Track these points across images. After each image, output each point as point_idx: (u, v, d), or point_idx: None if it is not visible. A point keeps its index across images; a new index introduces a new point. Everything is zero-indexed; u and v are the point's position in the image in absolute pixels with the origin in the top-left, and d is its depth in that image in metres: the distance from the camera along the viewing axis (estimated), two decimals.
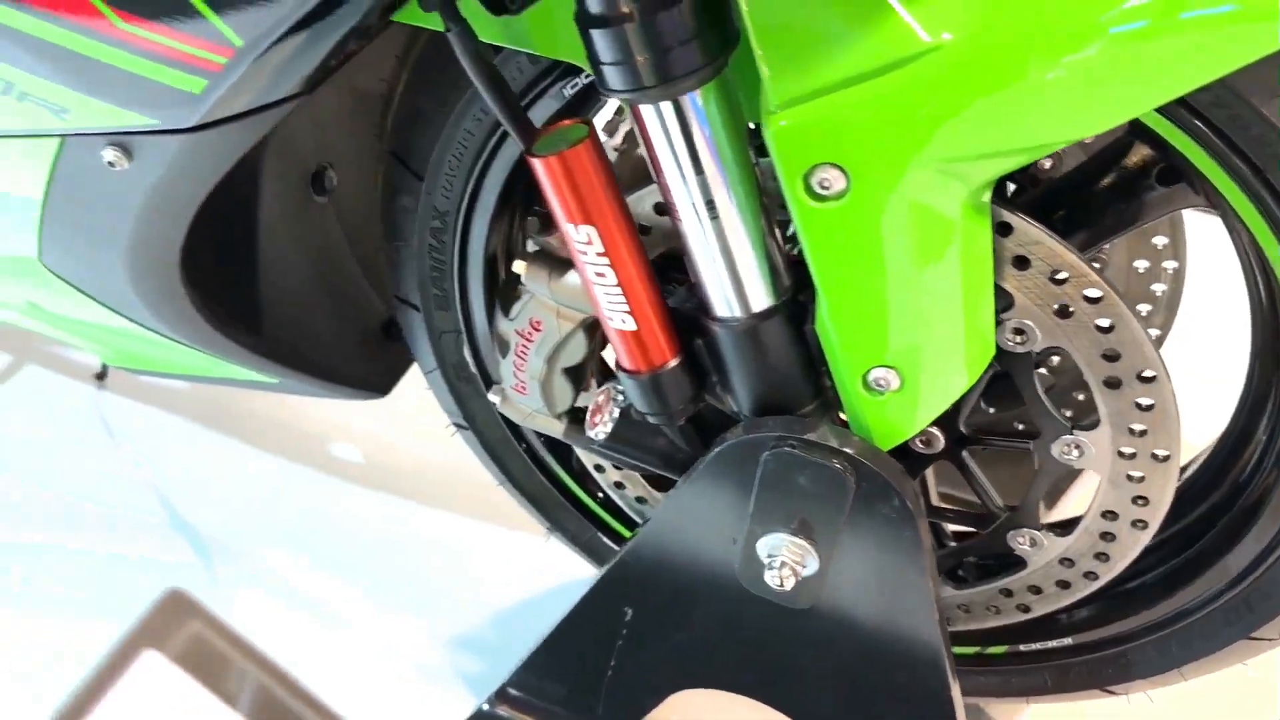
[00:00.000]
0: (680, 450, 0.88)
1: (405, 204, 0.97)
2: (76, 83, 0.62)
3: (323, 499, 1.41)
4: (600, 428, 0.85)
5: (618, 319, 0.76)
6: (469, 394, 1.10)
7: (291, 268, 1.06)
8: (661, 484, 1.05)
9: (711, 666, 0.96)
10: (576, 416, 0.94)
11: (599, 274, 0.74)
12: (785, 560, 0.79)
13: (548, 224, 0.83)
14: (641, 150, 0.70)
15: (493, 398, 0.95)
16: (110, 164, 0.67)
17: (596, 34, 0.64)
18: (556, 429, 0.94)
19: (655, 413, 0.82)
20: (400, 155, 0.94)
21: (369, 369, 1.18)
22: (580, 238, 0.73)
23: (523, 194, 0.94)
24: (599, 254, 0.73)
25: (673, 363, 0.79)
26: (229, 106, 0.61)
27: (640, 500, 1.07)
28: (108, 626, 1.23)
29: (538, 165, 0.71)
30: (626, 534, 1.16)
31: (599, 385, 0.91)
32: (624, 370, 0.81)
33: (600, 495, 1.13)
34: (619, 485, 1.06)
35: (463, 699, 1.18)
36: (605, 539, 1.17)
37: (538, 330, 0.87)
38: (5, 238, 0.80)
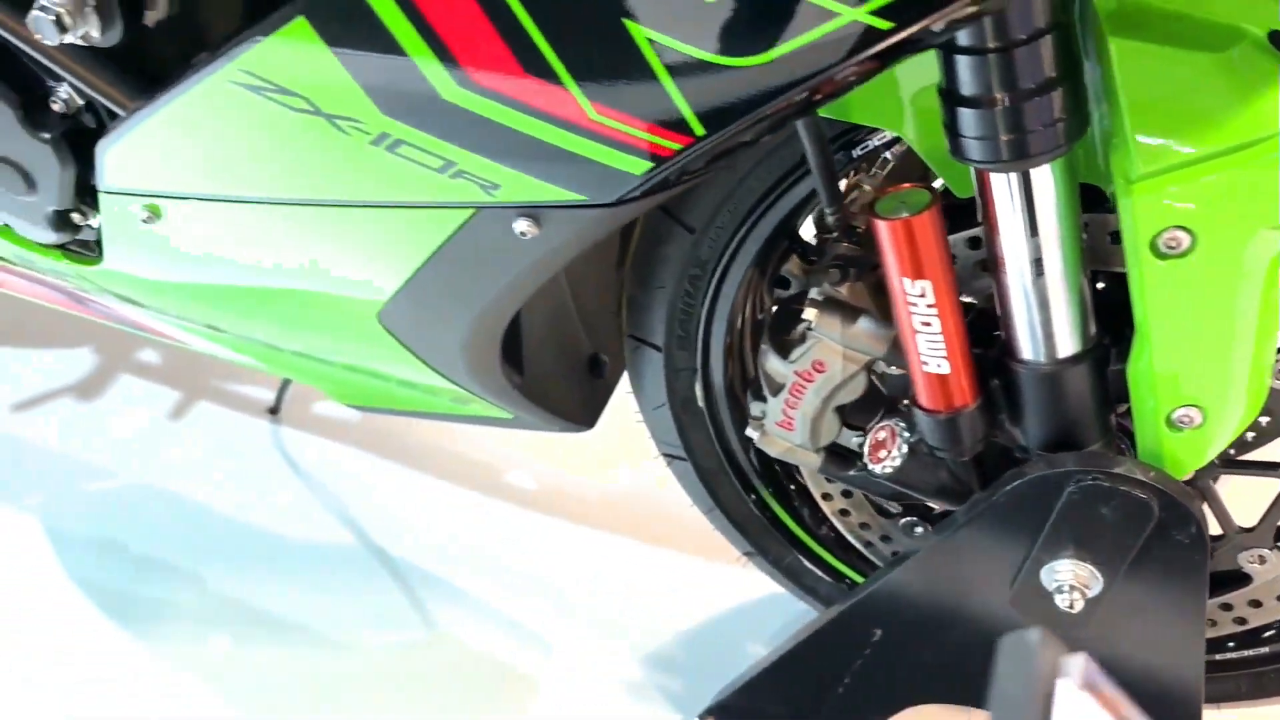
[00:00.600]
0: (959, 483, 0.95)
1: (668, 253, 1.04)
2: (523, 164, 0.68)
3: (500, 525, 1.47)
4: (887, 462, 0.93)
5: (934, 364, 0.84)
6: (691, 426, 1.18)
7: (537, 311, 1.13)
8: (887, 512, 1.13)
9: (958, 683, 1.03)
10: (832, 450, 1.02)
11: (925, 323, 0.82)
12: (1074, 584, 0.87)
13: (843, 275, 0.91)
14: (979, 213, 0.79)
15: (751, 432, 1.03)
16: (522, 234, 0.73)
17: (964, 112, 0.72)
18: (814, 462, 1.01)
19: (949, 449, 0.89)
20: (672, 210, 1.01)
21: (580, 403, 1.26)
22: (914, 291, 0.80)
23: (783, 249, 1.02)
24: (929, 305, 0.81)
25: (974, 404, 0.87)
26: (654, 184, 0.68)
27: (864, 526, 1.15)
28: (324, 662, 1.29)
29: (882, 227, 0.79)
30: (828, 556, 1.24)
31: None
32: (925, 410, 0.88)
33: (808, 520, 1.21)
34: (844, 512, 1.14)
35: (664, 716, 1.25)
36: (805, 561, 1.25)
37: (820, 371, 0.94)
38: (343, 292, 0.86)
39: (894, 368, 0.95)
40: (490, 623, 1.35)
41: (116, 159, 0.80)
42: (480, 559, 1.43)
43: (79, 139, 0.86)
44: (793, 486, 1.22)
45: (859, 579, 1.22)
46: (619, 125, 0.64)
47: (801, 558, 1.25)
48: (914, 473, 0.96)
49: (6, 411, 1.58)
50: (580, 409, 1.27)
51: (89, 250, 0.98)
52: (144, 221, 0.84)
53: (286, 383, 1.59)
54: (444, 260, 0.78)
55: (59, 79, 0.83)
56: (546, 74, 0.63)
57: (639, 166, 0.67)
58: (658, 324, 1.12)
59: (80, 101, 0.84)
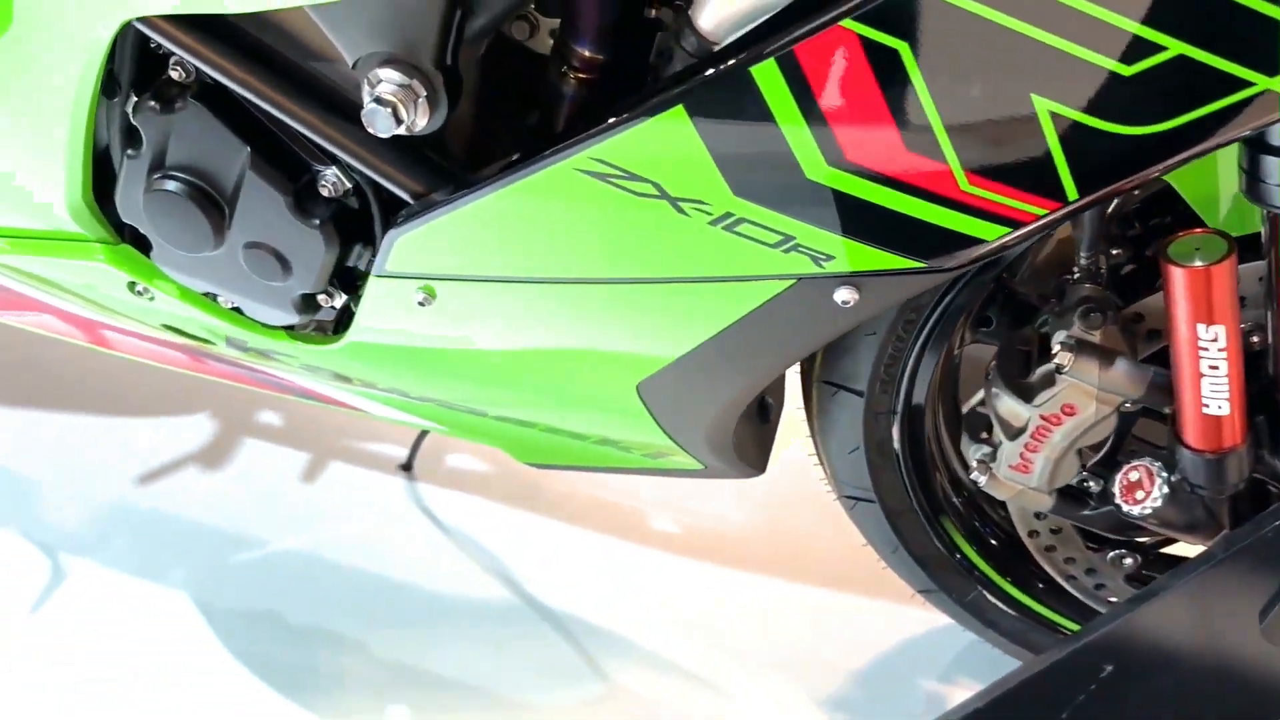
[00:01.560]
0: (1211, 519, 0.96)
1: None
2: (869, 235, 0.67)
3: (656, 570, 1.45)
4: (1147, 503, 0.93)
5: (1215, 405, 0.84)
6: (883, 469, 1.17)
7: None
8: (1097, 545, 1.13)
9: (1194, 713, 1.03)
10: (1063, 491, 1.02)
11: (1212, 366, 0.82)
12: None
13: (1096, 318, 0.92)
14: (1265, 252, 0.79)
15: (977, 476, 1.02)
16: (844, 303, 0.72)
17: (1270, 160, 0.72)
18: (1046, 504, 1.02)
19: (1214, 488, 0.90)
20: None
21: (754, 448, 1.25)
22: (1207, 336, 0.81)
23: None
24: (1220, 350, 0.81)
25: (1243, 443, 0.87)
26: (1000, 247, 0.67)
27: (1069, 560, 1.15)
28: None
29: (1179, 274, 0.79)
30: (1014, 590, 1.24)
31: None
32: (1194, 450, 0.88)
33: (1000, 556, 1.21)
34: (1049, 548, 1.14)
35: None
36: (989, 596, 1.25)
37: (1070, 415, 0.94)
38: (608, 364, 0.85)
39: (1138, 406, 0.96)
40: (665, 673, 1.33)
41: (410, 245, 0.78)
42: (641, 606, 1.41)
43: (345, 222, 0.84)
44: (980, 521, 1.23)
45: (1044, 611, 1.22)
46: (988, 194, 0.64)
47: (986, 593, 1.25)
48: (1171, 512, 0.96)
49: (132, 484, 1.54)
50: (755, 454, 1.27)
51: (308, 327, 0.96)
52: (420, 304, 0.82)
53: (420, 438, 1.57)
54: (737, 332, 0.77)
55: (327, 162, 0.81)
56: (929, 149, 0.62)
57: (994, 233, 0.66)
58: (862, 369, 1.11)
59: (348, 184, 0.82)
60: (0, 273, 1.09)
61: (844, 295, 0.73)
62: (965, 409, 1.11)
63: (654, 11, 0.77)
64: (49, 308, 1.14)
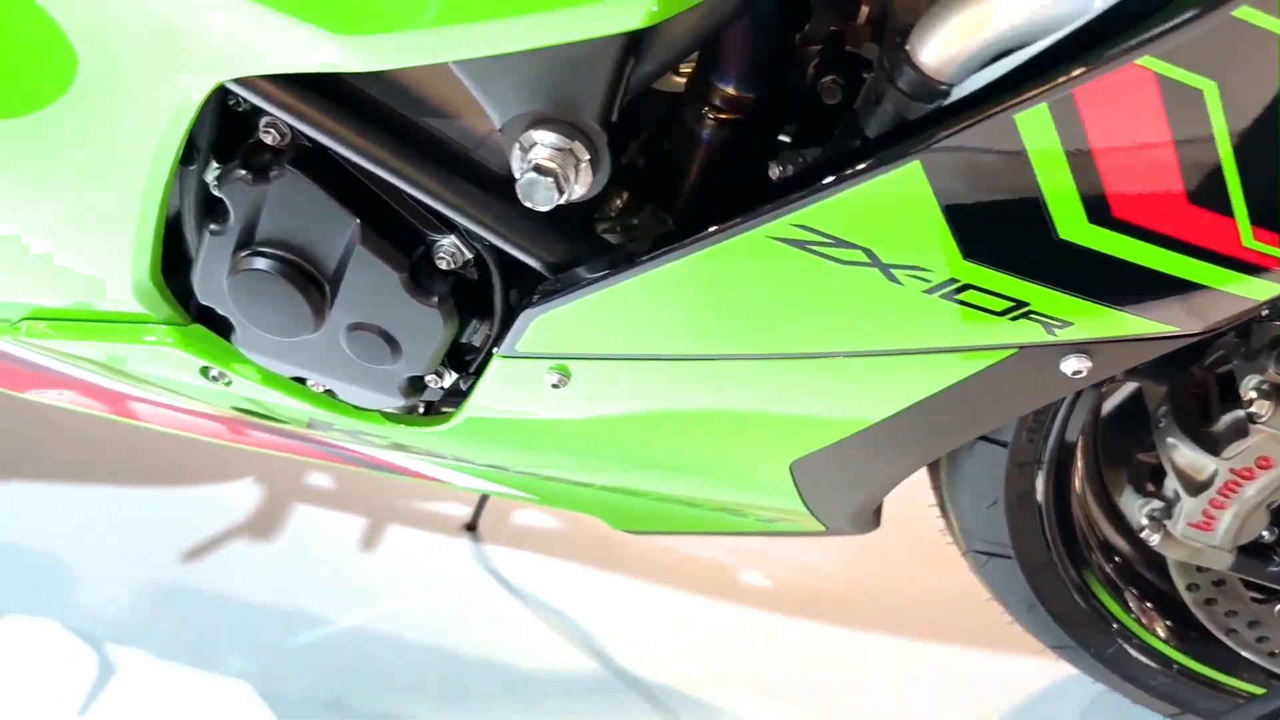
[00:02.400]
0: None
1: None
2: (1119, 298, 0.57)
3: (742, 630, 1.35)
4: None
5: None
6: (1023, 522, 1.08)
7: None
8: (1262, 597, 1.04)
9: None
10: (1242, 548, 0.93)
11: None
12: None
13: None
14: None
15: (1150, 535, 0.93)
16: (1075, 373, 0.62)
17: None
18: (1224, 561, 0.92)
19: None
20: None
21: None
22: None
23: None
24: None
25: None
26: (1259, 307, 0.58)
27: (1230, 613, 1.05)
28: None
29: None
30: (1163, 646, 1.16)
31: None
32: None
33: (1149, 609, 1.12)
34: (1210, 601, 1.05)
35: None
36: (1130, 650, 1.16)
37: (1265, 468, 0.84)
38: (762, 442, 0.75)
39: None
40: None
41: (551, 324, 0.67)
42: (738, 669, 1.31)
43: (463, 296, 0.73)
44: (1127, 575, 1.14)
45: (1191, 663, 1.14)
46: (1272, 250, 0.54)
47: (1127, 647, 1.16)
48: None
49: (178, 562, 1.43)
50: (875, 511, 1.18)
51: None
52: (554, 386, 0.72)
53: (484, 499, 1.47)
54: (931, 407, 0.67)
55: (444, 231, 0.70)
56: (1215, 201, 0.52)
57: (1265, 291, 0.57)
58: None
59: (468, 254, 0.71)
60: (25, 348, 0.99)
61: (1073, 365, 0.63)
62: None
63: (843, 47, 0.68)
64: (73, 382, 1.04)
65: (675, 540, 1.45)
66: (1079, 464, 1.06)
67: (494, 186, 0.66)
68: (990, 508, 1.10)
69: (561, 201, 0.59)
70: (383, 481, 1.51)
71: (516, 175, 0.59)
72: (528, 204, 0.59)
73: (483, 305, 0.74)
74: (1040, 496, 1.05)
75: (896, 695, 1.28)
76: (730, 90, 0.70)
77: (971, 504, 1.10)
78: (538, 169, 0.57)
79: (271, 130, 0.67)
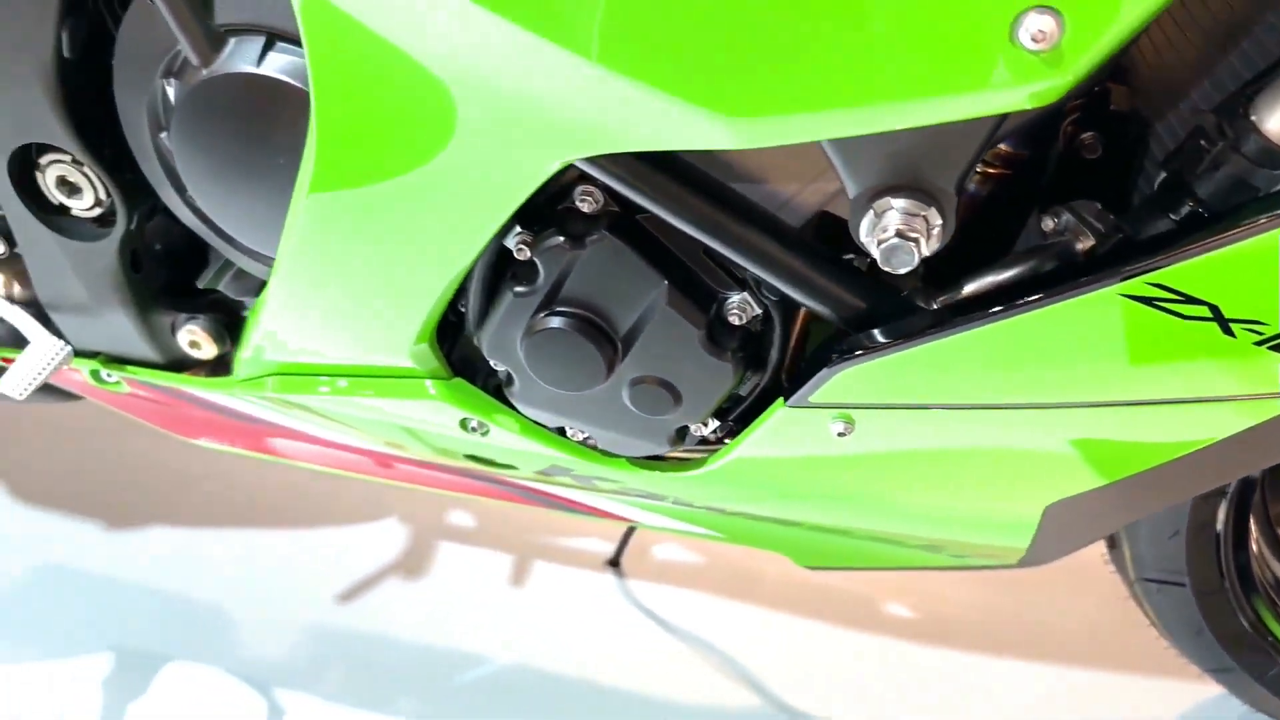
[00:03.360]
0: None
1: None
2: None
3: (889, 667, 1.37)
4: None
5: None
6: (1200, 550, 1.11)
7: None
8: None
9: None
10: None
11: None
12: None
13: None
14: None
15: None
16: None
17: None
18: None
19: None
20: None
21: None
22: None
23: None
24: None
25: None
26: None
27: None
28: None
29: None
30: None
31: None
32: None
33: None
34: None
35: None
36: None
37: None
38: (1023, 486, 0.77)
39: None
40: None
41: (853, 378, 0.69)
42: (879, 696, 1.33)
43: (748, 349, 0.76)
44: None
45: None
46: None
47: None
48: None
49: (335, 604, 1.45)
50: None
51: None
52: (839, 435, 0.74)
53: (629, 534, 1.48)
54: (1223, 448, 0.69)
55: (736, 288, 0.73)
56: None
57: None
58: None
59: (757, 310, 0.74)
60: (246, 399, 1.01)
61: None
62: None
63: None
64: (280, 430, 1.06)
65: (813, 573, 1.47)
66: (1259, 495, 1.10)
67: (797, 246, 0.69)
68: (1171, 538, 1.12)
69: (915, 263, 0.62)
70: (520, 518, 1.53)
71: (864, 239, 0.62)
72: (886, 268, 0.62)
73: (759, 358, 0.77)
74: (1220, 526, 1.08)
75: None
76: (1005, 148, 0.73)
77: (1151, 534, 1.12)
78: (900, 235, 0.60)
79: (588, 198, 0.70)
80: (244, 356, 0.91)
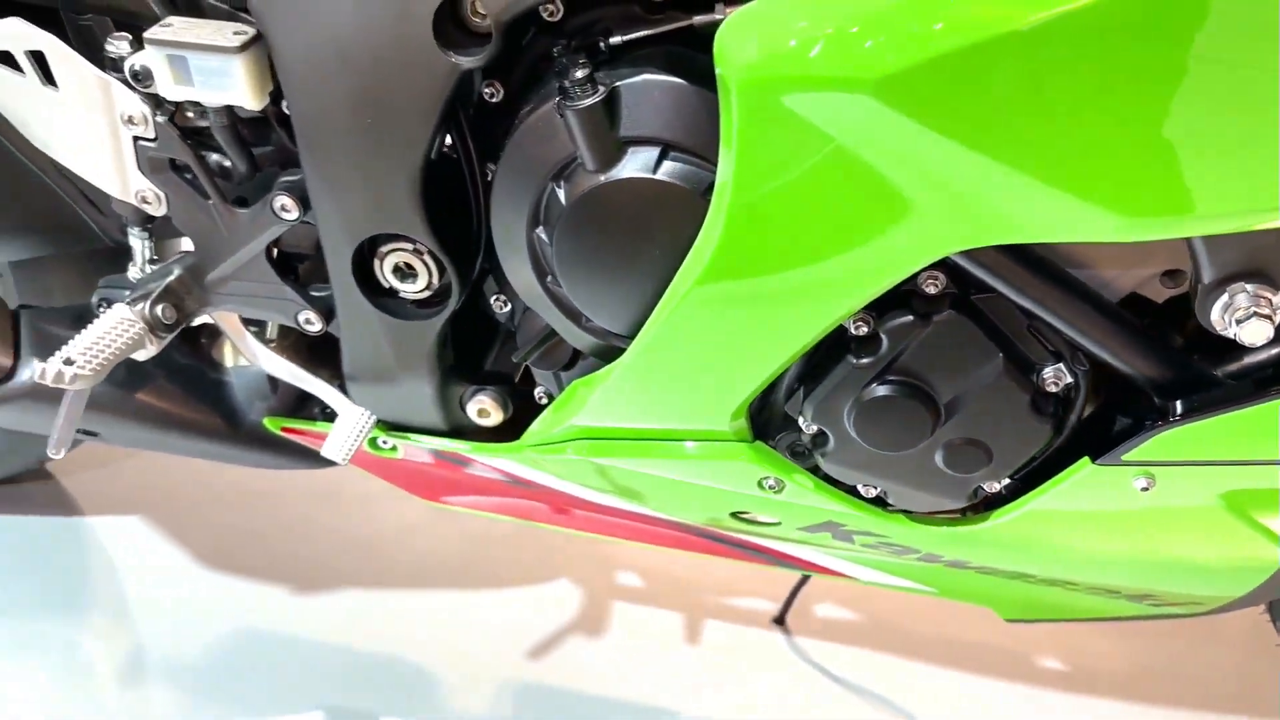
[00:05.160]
0: None
1: None
2: None
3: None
4: None
5: None
6: None
7: None
8: None
9: None
10: None
11: None
12: None
13: None
14: None
15: None
16: None
17: None
18: None
19: None
20: None
21: None
22: None
23: None
24: None
25: None
26: None
27: None
28: None
29: None
30: None
31: None
32: None
33: None
34: None
35: None
36: None
37: None
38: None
39: None
40: None
41: (1183, 438, 0.78)
42: None
43: (1057, 413, 0.85)
44: None
45: None
46: None
47: None
48: None
49: (523, 657, 1.50)
50: None
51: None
52: (1142, 490, 0.83)
53: (797, 589, 1.55)
54: None
55: (1053, 359, 0.82)
56: None
57: None
58: None
59: (1069, 378, 0.83)
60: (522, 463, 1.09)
61: None
62: None
63: None
64: (550, 494, 1.14)
65: (970, 627, 1.54)
66: None
67: (1121, 321, 0.79)
68: None
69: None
70: (685, 576, 1.60)
71: (1216, 317, 0.72)
72: (1247, 343, 0.72)
73: (1064, 421, 0.86)
74: None
75: None
76: None
77: None
78: (1256, 314, 0.70)
79: (934, 282, 0.80)
80: (544, 422, 1.00)
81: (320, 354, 1.12)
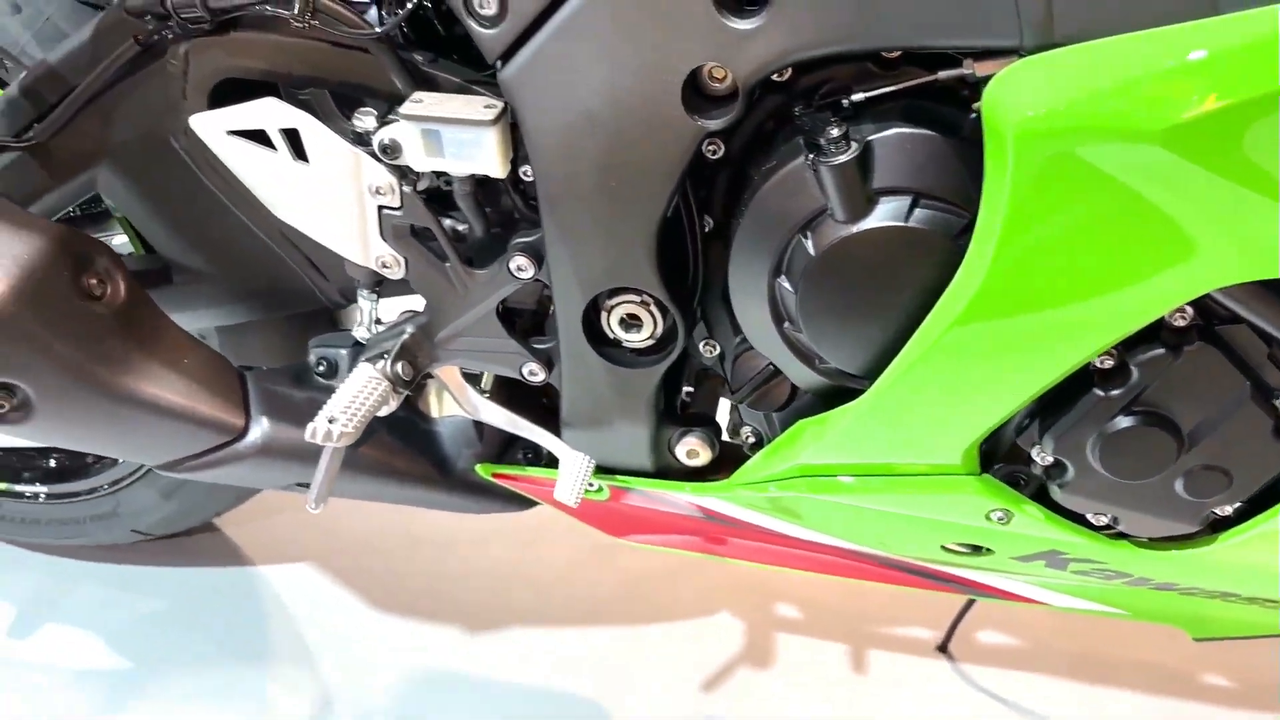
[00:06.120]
0: None
1: None
2: None
3: None
4: None
5: None
6: None
7: None
8: None
9: None
10: None
11: None
12: None
13: None
14: None
15: None
16: None
17: None
18: None
19: None
20: None
21: None
22: None
23: None
24: None
25: None
26: None
27: None
28: None
29: None
30: None
31: None
32: None
33: None
34: None
35: None
36: None
37: None
38: None
39: None
40: None
41: None
42: None
43: None
44: None
45: None
46: None
47: None
48: None
49: (696, 691, 1.53)
50: None
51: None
52: None
53: (960, 615, 1.56)
54: None
55: None
56: None
57: None
58: None
59: None
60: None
61: None
62: None
63: None
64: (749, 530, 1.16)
65: (1136, 644, 1.54)
66: None
67: None
68: None
69: None
70: (849, 607, 1.62)
71: None
72: None
73: None
74: None
75: None
76: None
77: None
78: None
79: (1181, 315, 0.83)
80: (763, 461, 1.03)
81: (520, 401, 1.16)
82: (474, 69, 1.00)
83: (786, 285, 0.88)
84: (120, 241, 1.31)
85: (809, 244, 0.86)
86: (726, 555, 1.25)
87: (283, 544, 1.72)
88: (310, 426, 0.94)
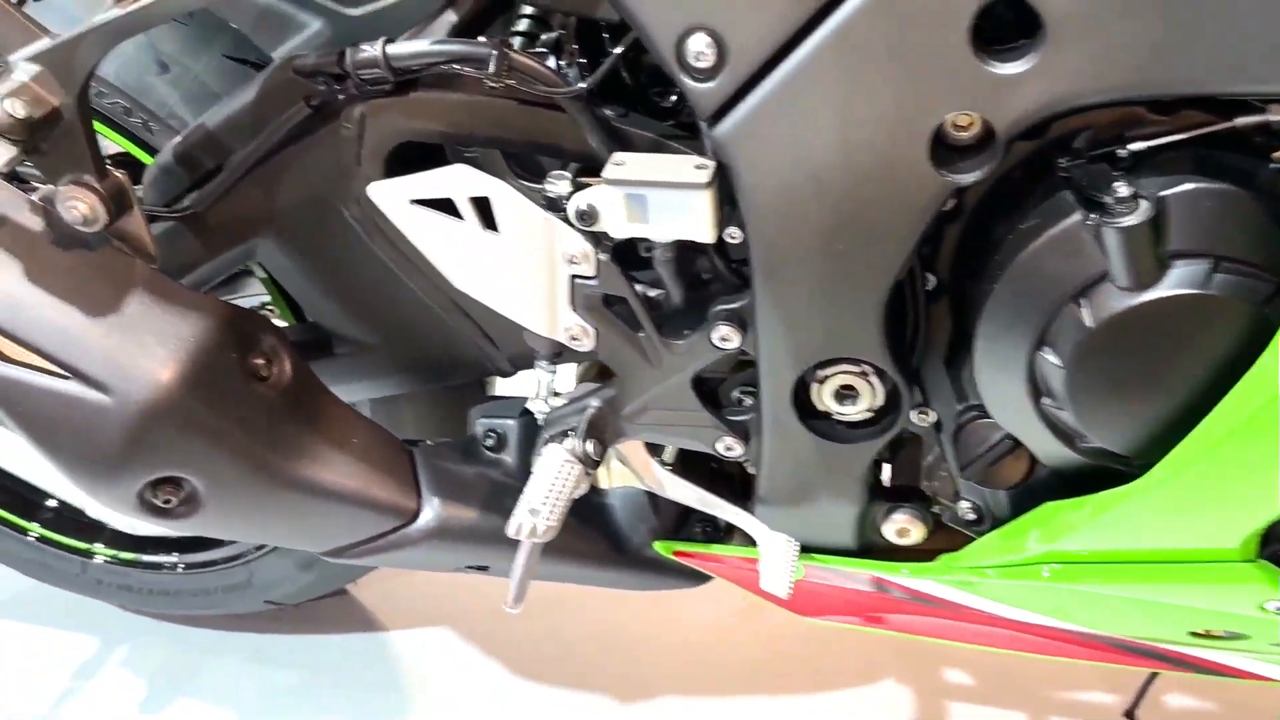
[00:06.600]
0: None
1: None
2: None
3: None
4: None
5: None
6: None
7: None
8: None
9: None
10: None
11: None
12: None
13: None
14: None
15: None
16: None
17: None
18: None
19: None
20: None
21: None
22: None
23: None
24: None
25: None
26: None
27: None
28: None
29: None
30: None
31: None
32: None
33: None
34: None
35: None
36: None
37: None
38: None
39: None
40: None
41: None
42: None
43: None
44: None
45: None
46: None
47: None
48: None
49: None
50: None
51: None
52: None
53: (1149, 681, 1.45)
54: None
55: None
56: None
57: None
58: None
59: None
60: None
61: None
62: None
63: None
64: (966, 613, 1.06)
65: None
66: None
67: None
68: None
69: None
70: (1028, 674, 1.51)
71: None
72: None
73: None
74: None
75: None
76: None
77: None
78: None
79: None
80: (996, 544, 0.93)
81: (696, 473, 1.07)
82: (659, 119, 0.92)
83: (1052, 359, 0.78)
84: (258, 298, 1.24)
85: (1084, 313, 0.75)
86: (932, 636, 1.14)
87: (413, 606, 1.64)
88: (513, 522, 0.85)
